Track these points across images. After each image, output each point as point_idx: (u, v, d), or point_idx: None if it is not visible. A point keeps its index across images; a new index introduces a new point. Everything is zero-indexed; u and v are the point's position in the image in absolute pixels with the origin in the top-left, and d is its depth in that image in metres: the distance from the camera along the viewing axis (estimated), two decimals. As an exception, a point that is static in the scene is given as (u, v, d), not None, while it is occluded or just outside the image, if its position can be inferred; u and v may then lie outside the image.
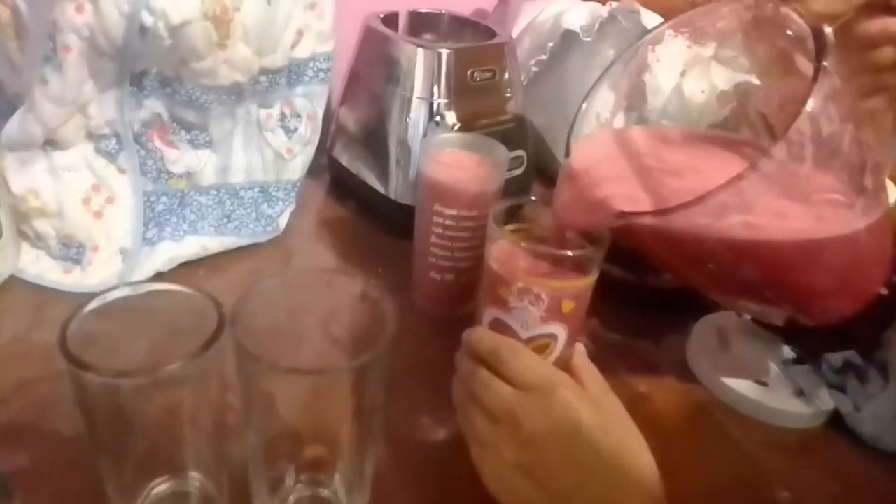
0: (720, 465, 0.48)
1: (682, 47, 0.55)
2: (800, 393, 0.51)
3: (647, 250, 0.46)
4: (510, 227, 0.43)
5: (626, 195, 0.42)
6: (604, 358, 0.54)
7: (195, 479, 0.38)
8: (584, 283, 0.41)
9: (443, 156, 0.52)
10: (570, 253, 0.40)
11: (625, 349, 0.57)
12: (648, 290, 0.59)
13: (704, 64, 0.55)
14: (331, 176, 0.73)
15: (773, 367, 0.53)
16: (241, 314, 0.32)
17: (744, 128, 0.50)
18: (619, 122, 0.52)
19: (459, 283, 0.55)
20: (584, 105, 0.47)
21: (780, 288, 0.44)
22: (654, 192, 0.43)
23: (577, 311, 0.41)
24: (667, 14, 0.64)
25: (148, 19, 0.45)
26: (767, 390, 0.51)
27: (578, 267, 0.40)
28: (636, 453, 0.36)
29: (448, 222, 0.52)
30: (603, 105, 0.49)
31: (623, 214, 0.39)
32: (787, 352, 0.53)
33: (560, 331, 0.41)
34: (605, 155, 0.48)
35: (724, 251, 0.40)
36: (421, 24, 0.71)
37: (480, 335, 0.41)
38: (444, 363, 0.53)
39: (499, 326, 0.42)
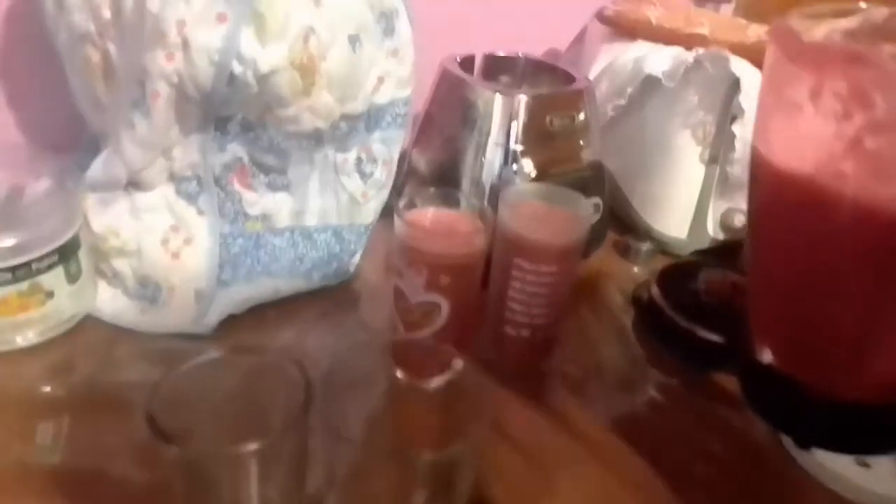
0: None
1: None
2: (906, 476, 0.47)
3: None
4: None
5: None
6: (689, 425, 0.52)
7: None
8: (460, 261, 0.47)
9: (524, 207, 0.51)
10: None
11: (710, 416, 0.54)
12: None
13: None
14: (400, 217, 0.73)
15: (876, 447, 0.49)
16: (326, 393, 0.31)
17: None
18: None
19: (535, 339, 0.53)
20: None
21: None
22: None
23: (455, 285, 0.48)
24: (761, 62, 0.61)
25: (237, 68, 0.45)
26: (870, 472, 0.47)
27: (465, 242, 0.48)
28: None
29: (529, 277, 0.50)
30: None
31: None
32: (891, 429, 0.49)
33: (442, 301, 0.48)
34: None
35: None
36: (497, 66, 0.70)
37: None
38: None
39: (397, 291, 0.50)
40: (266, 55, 0.46)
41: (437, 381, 0.51)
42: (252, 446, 0.28)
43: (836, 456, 0.48)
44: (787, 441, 0.50)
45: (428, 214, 0.49)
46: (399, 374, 0.51)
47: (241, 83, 0.46)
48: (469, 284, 0.48)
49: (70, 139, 0.61)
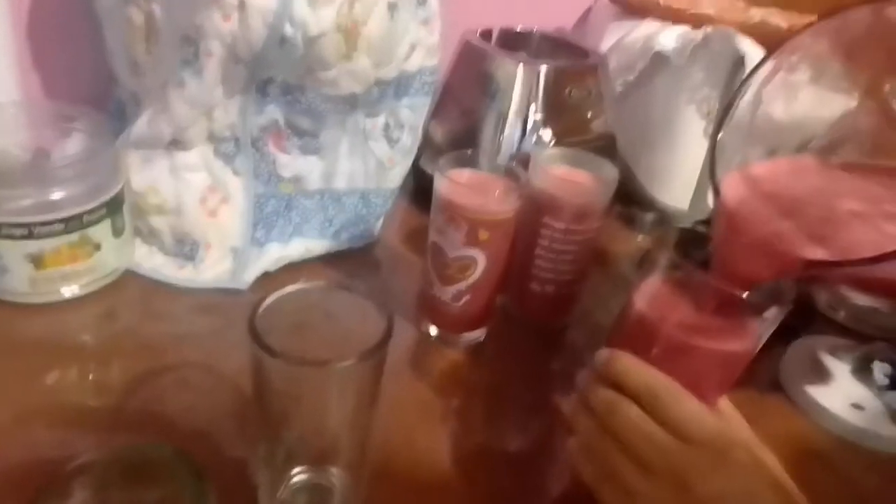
0: (817, 486, 0.48)
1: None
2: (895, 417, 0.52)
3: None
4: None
5: (805, 235, 0.37)
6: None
7: (334, 473, 0.39)
8: (497, 217, 0.48)
9: (553, 170, 0.54)
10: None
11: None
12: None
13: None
14: (415, 185, 0.75)
15: (868, 392, 0.54)
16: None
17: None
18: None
19: (560, 296, 0.56)
20: (721, 135, 0.42)
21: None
22: (833, 232, 0.38)
23: (493, 240, 0.49)
24: (765, 41, 0.65)
25: (289, 30, 0.47)
26: (863, 414, 0.52)
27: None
28: None
29: (556, 235, 0.53)
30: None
31: (814, 265, 0.34)
32: (882, 377, 0.54)
33: (479, 255, 0.49)
34: (761, 191, 0.42)
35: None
36: (512, 41, 0.73)
37: (630, 366, 0.36)
38: (539, 372, 0.55)
39: (434, 247, 0.51)
40: (316, 18, 0.48)
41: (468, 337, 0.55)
42: (348, 362, 0.31)
43: (834, 399, 0.52)
44: (787, 384, 0.55)
45: (464, 174, 0.52)
46: (433, 329, 0.54)
47: (290, 45, 0.48)
48: (504, 240, 0.50)
49: (95, 102, 0.62)
